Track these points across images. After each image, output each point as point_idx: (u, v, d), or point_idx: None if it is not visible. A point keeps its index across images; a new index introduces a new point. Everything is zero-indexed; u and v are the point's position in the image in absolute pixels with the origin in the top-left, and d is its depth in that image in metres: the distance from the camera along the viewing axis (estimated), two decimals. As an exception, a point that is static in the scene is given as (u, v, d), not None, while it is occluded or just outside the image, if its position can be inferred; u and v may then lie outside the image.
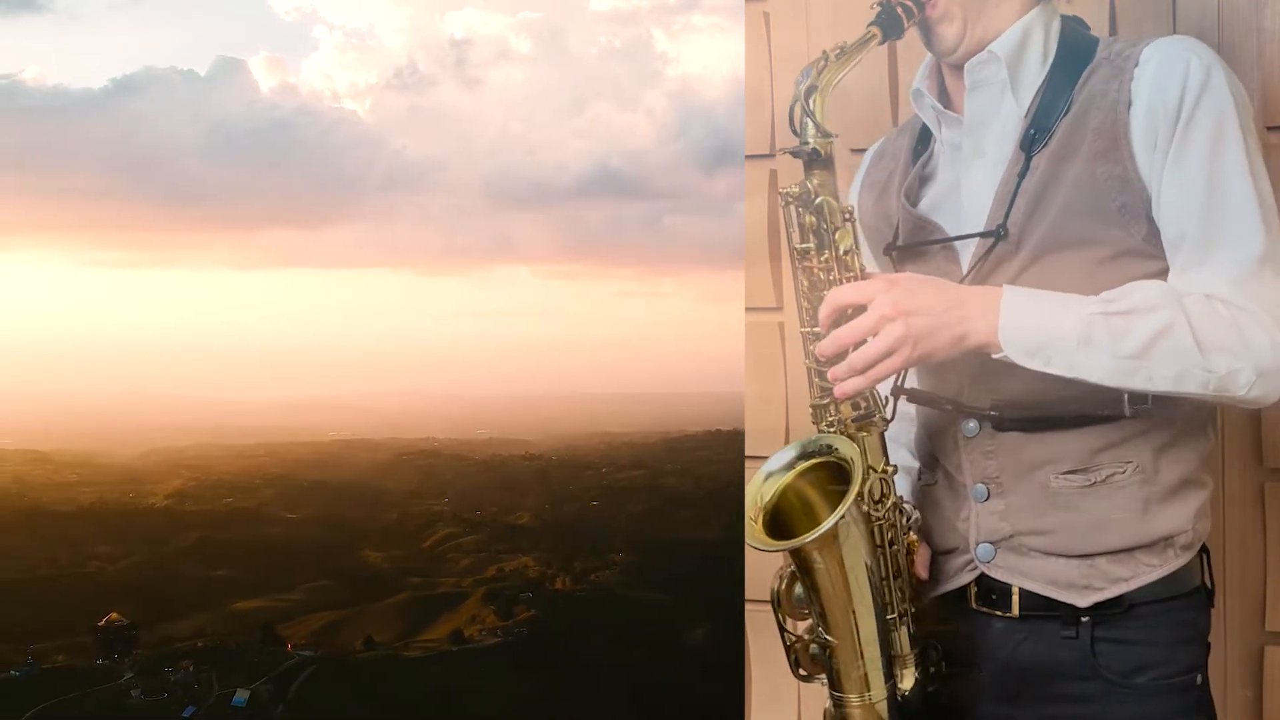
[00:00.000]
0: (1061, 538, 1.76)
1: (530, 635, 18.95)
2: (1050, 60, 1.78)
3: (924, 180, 1.92)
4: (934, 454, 1.92)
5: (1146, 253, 1.70)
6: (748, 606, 2.61)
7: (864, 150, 2.12)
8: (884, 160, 2.03)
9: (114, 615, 18.10)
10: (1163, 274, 1.70)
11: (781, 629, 1.88)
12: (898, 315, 1.67)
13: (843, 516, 1.72)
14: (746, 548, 2.64)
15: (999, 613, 1.82)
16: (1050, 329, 1.65)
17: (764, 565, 2.52)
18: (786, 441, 2.49)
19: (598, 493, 23.92)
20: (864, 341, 1.71)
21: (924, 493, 1.95)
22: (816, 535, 1.72)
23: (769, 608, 2.58)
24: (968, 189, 1.83)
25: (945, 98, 1.88)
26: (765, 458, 2.57)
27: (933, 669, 1.87)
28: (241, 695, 16.98)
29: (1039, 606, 1.79)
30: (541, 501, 23.72)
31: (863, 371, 1.71)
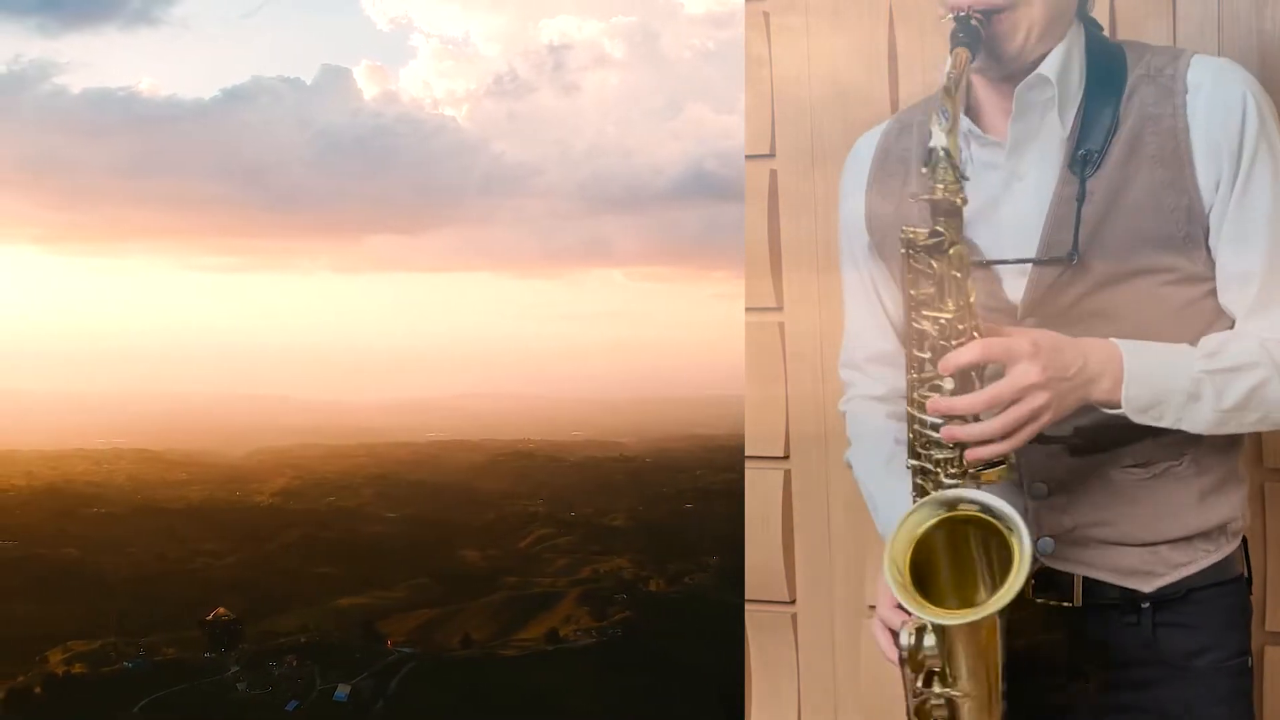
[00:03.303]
0: (1125, 527, 1.81)
1: (624, 636, 19.01)
2: (1084, 74, 1.77)
3: None
4: None
5: (1204, 276, 1.75)
6: (747, 606, 2.63)
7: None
8: (891, 163, 1.98)
9: (220, 610, 18.59)
10: (1214, 294, 1.75)
11: (909, 688, 1.78)
12: (1046, 382, 1.65)
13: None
14: (746, 548, 2.68)
15: (1060, 602, 1.85)
16: (1166, 388, 1.69)
17: (764, 565, 2.55)
18: (787, 443, 2.51)
19: (692, 495, 23.85)
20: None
21: None
22: (1003, 604, 1.63)
23: (769, 608, 2.61)
24: (1009, 210, 1.82)
25: (974, 113, 1.85)
26: (765, 459, 2.60)
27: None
28: (343, 690, 17.32)
29: (1101, 595, 1.83)
30: (636, 503, 23.73)
31: (1005, 438, 1.67)
